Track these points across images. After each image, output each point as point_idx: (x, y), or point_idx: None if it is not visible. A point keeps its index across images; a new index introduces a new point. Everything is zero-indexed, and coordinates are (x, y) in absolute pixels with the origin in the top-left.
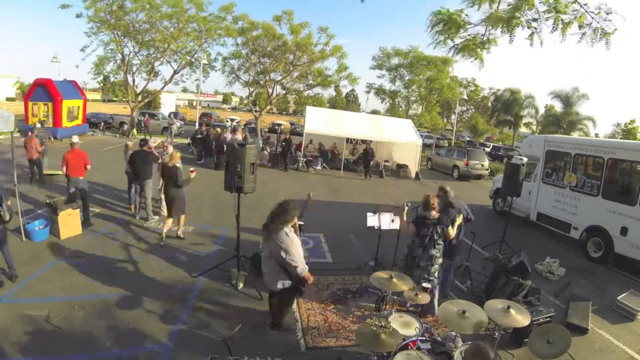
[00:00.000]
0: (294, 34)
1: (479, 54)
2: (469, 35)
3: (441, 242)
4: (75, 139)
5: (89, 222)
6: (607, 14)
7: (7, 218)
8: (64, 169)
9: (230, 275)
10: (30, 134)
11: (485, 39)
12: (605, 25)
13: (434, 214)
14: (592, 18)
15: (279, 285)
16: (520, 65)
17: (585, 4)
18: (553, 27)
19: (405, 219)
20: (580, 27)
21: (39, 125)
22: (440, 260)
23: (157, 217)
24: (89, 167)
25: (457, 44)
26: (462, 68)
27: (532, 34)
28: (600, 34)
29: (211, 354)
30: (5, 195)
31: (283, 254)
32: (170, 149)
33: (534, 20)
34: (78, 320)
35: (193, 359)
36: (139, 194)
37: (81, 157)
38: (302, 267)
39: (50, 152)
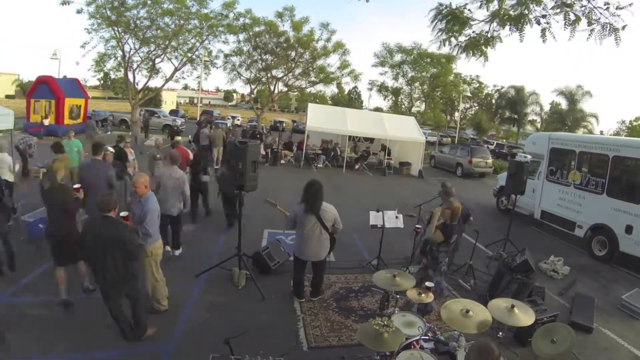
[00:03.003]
0: (295, 30)
1: (483, 52)
2: (473, 32)
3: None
4: (179, 138)
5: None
6: (617, 8)
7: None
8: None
9: (232, 275)
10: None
11: (489, 36)
12: (614, 20)
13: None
14: (601, 14)
15: (328, 251)
16: (524, 62)
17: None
18: (565, 23)
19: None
20: (589, 23)
21: (46, 122)
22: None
23: None
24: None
25: (461, 42)
26: (465, 64)
27: (543, 30)
28: (609, 30)
29: (212, 353)
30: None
31: (336, 220)
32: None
33: (543, 16)
34: (78, 320)
35: (194, 358)
36: None
37: (184, 154)
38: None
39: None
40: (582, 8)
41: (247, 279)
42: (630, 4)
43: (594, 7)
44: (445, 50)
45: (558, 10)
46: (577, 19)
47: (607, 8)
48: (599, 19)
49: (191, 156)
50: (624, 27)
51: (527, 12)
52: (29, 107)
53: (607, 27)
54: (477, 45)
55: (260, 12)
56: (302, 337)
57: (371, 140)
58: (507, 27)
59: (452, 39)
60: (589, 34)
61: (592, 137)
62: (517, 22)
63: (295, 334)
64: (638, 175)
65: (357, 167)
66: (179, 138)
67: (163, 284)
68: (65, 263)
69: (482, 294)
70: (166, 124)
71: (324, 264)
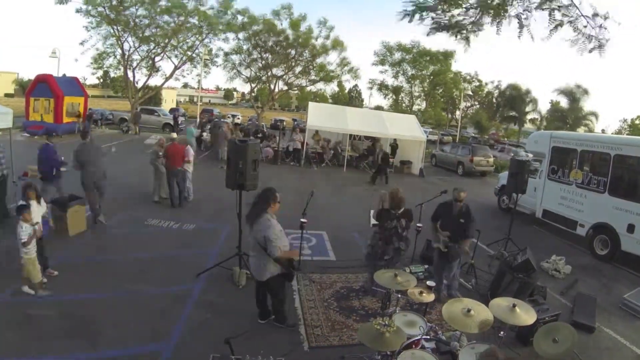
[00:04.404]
0: (294, 29)
1: (466, 34)
2: (454, 15)
3: (405, 235)
4: (174, 135)
5: (181, 203)
6: (605, 19)
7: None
8: (164, 160)
9: (232, 274)
10: None
11: (464, 21)
12: (600, 33)
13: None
14: (588, 22)
15: (267, 275)
16: (524, 61)
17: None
18: (549, 20)
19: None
20: (574, 30)
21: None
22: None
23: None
24: (186, 159)
25: (439, 18)
26: (466, 64)
27: (521, 26)
28: (594, 43)
29: (213, 353)
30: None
31: (267, 240)
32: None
33: (526, 10)
34: (78, 320)
35: (195, 358)
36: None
37: (180, 151)
38: (277, 250)
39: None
40: (567, 14)
41: (248, 279)
42: (619, 24)
43: (581, 14)
44: (414, 28)
45: (544, 7)
46: (560, 23)
47: (595, 18)
48: (586, 26)
49: (191, 155)
50: (607, 41)
51: (506, 5)
52: (28, 106)
53: (591, 39)
54: (463, 27)
55: (258, 10)
56: (303, 336)
57: (372, 139)
58: (488, 17)
59: (425, 14)
60: (573, 43)
61: (593, 136)
62: (496, 13)
63: (296, 333)
64: None
65: (361, 166)
66: (174, 135)
67: None
68: None
69: (484, 294)
70: (166, 123)
71: (270, 286)
